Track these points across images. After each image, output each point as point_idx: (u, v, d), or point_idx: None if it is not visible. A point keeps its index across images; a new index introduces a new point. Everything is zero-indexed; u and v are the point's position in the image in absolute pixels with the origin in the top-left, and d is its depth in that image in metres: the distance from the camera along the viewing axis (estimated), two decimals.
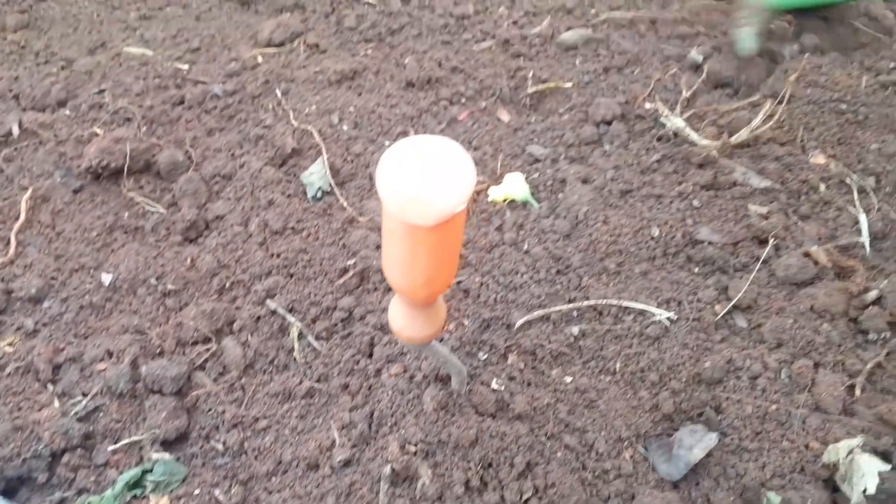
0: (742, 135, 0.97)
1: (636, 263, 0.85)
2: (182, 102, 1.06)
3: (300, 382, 0.74)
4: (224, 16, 1.24)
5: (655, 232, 0.88)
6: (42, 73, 1.11)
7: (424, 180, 0.41)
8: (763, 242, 0.87)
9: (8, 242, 0.88)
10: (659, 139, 1.01)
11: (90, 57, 1.13)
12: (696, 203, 0.92)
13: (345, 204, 0.92)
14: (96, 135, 1.00)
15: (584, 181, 0.95)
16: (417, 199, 0.41)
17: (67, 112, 1.04)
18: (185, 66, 1.12)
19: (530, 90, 1.09)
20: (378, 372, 0.74)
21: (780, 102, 1.00)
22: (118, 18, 1.23)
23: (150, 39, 1.18)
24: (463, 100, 1.09)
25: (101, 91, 1.07)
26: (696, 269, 0.86)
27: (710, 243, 0.87)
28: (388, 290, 0.82)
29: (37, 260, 0.87)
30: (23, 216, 0.91)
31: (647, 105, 1.04)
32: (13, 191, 0.95)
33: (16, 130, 1.01)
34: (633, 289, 0.82)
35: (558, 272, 0.84)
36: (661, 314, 0.79)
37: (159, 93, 1.07)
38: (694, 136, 0.98)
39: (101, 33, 1.19)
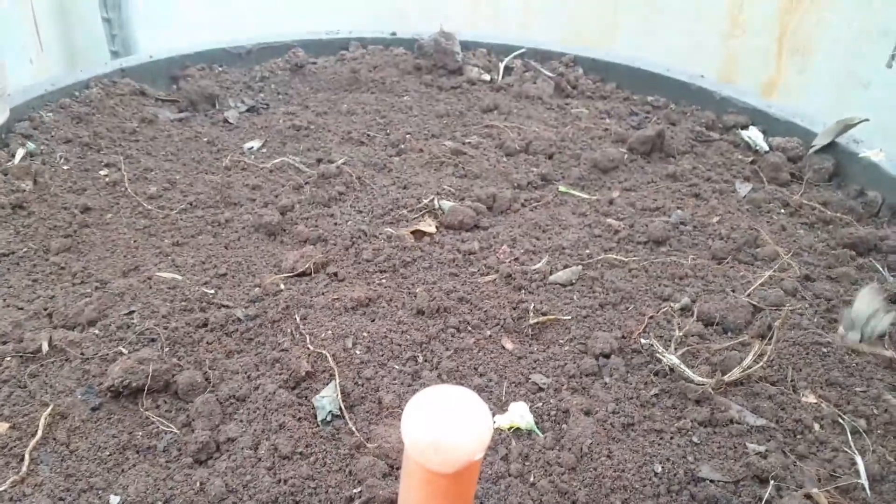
0: (734, 373, 1.02)
1: (641, 500, 0.86)
2: (206, 325, 1.12)
3: None
4: (251, 245, 1.36)
5: (658, 468, 0.90)
6: (77, 293, 1.19)
7: (447, 428, 0.45)
8: (764, 482, 0.89)
9: (22, 459, 0.90)
10: (656, 374, 1.06)
11: (123, 279, 1.22)
12: (695, 439, 0.95)
13: (353, 429, 0.95)
14: (121, 354, 1.05)
15: (587, 413, 0.98)
16: (438, 444, 0.45)
17: (96, 331, 1.10)
18: (212, 291, 1.20)
19: (532, 321, 1.16)
20: None
21: (768, 343, 1.07)
22: (153, 244, 1.34)
23: (181, 265, 1.28)
24: (469, 328, 1.16)
25: (131, 312, 1.14)
26: None
27: (711, 481, 0.89)
28: None
29: (48, 479, 0.87)
30: (39, 433, 0.93)
31: (643, 340, 1.11)
32: (34, 407, 0.98)
33: (45, 347, 1.07)
34: None
35: None
36: None
37: (185, 315, 1.14)
38: (689, 373, 1.03)
39: (135, 257, 1.30)
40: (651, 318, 1.17)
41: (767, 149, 1.73)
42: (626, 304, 1.22)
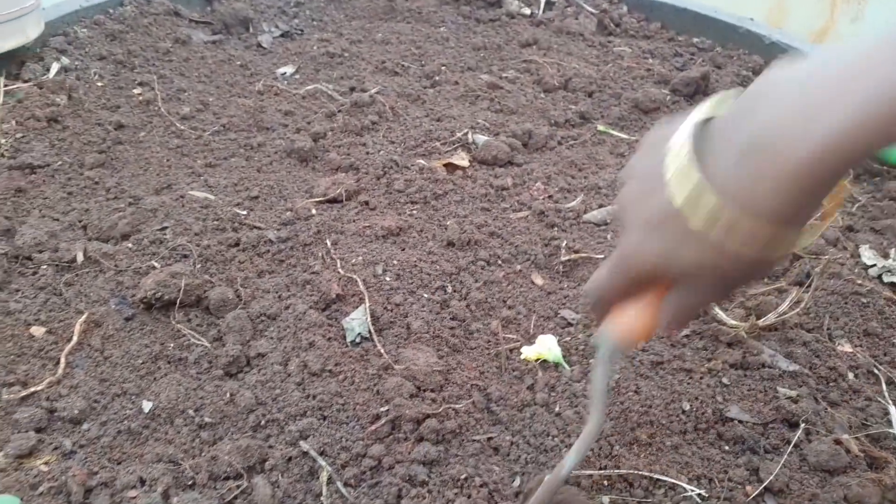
0: (769, 318, 1.01)
1: (667, 436, 0.86)
2: (237, 244, 1.12)
3: None
4: (283, 170, 1.35)
5: (686, 406, 0.89)
6: (111, 207, 1.19)
7: None
8: (793, 426, 0.88)
9: (58, 363, 0.91)
10: None
11: (156, 196, 1.22)
12: (725, 381, 0.94)
13: (382, 351, 0.95)
14: (154, 268, 1.06)
15: None
16: None
17: (130, 245, 1.11)
18: (244, 212, 1.20)
19: (563, 258, 1.15)
20: None
21: (806, 291, 1.05)
22: (186, 164, 1.33)
23: (213, 185, 1.27)
24: (500, 261, 1.15)
25: (164, 228, 1.14)
26: (727, 447, 0.86)
27: (740, 422, 0.88)
28: (419, 440, 0.83)
29: (82, 382, 0.89)
30: (75, 339, 0.95)
31: None
32: (69, 314, 0.99)
33: (80, 258, 1.08)
34: (664, 462, 0.83)
35: None
36: (693, 490, 0.79)
37: (217, 234, 1.14)
38: (722, 315, 1.01)
39: (168, 176, 1.29)
40: None
41: None
42: None
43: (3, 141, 1.28)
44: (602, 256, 1.16)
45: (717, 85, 1.68)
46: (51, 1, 1.71)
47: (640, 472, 0.80)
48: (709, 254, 0.47)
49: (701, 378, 0.94)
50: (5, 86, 1.41)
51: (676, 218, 0.47)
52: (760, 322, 1.01)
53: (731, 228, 0.45)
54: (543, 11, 2.05)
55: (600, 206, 1.28)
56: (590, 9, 2.04)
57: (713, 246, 0.46)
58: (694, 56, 1.88)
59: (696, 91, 1.65)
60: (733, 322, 1.01)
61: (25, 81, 1.44)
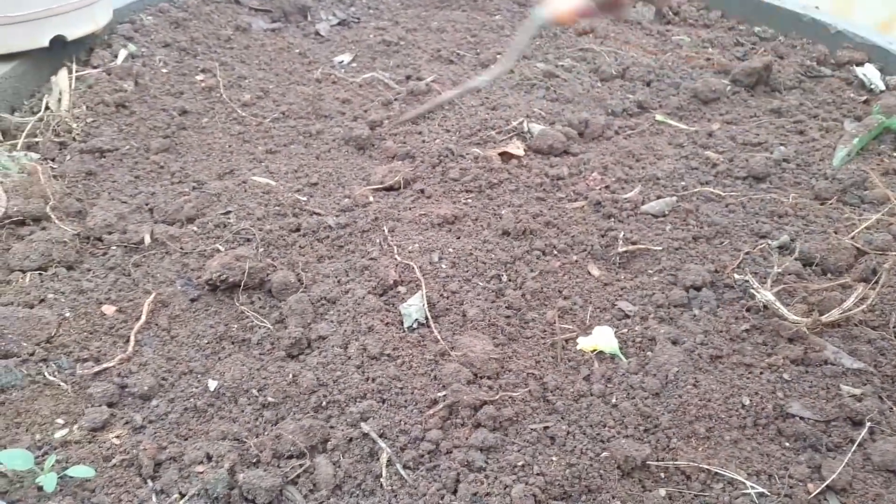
0: (833, 314, 0.98)
1: (726, 431, 0.85)
2: (298, 230, 1.15)
3: None
4: (341, 157, 1.37)
5: (746, 401, 0.88)
6: (176, 191, 1.23)
7: None
8: (857, 424, 0.86)
9: (128, 340, 0.95)
10: (748, 310, 1.03)
11: (220, 181, 1.26)
12: (786, 377, 0.92)
13: (439, 337, 0.96)
14: (218, 251, 1.09)
15: (674, 342, 0.97)
16: None
17: (195, 228, 1.14)
18: (304, 198, 1.22)
19: (620, 249, 1.14)
20: None
21: (872, 287, 1.02)
22: (247, 151, 1.36)
23: (274, 171, 1.30)
24: (555, 251, 1.15)
25: (227, 212, 1.17)
26: (788, 444, 0.85)
27: (801, 419, 0.87)
28: (476, 426, 0.84)
29: (151, 360, 0.93)
30: (143, 318, 0.99)
31: (737, 276, 1.08)
32: (138, 293, 1.03)
33: (147, 240, 1.11)
34: (723, 456, 0.82)
35: (646, 430, 0.85)
36: (752, 487, 0.78)
37: (278, 219, 1.17)
38: (784, 310, 1.00)
39: (230, 162, 1.33)
40: (747, 253, 1.13)
41: (884, 88, 1.61)
42: (721, 238, 1.18)
43: (74, 125, 1.33)
44: (660, 248, 1.15)
45: (780, 76, 1.64)
46: None
47: (699, 466, 0.79)
48: None
49: (761, 373, 0.93)
50: (77, 71, 1.46)
51: None
52: (823, 318, 0.98)
53: None
54: None
55: (658, 196, 1.27)
56: None
57: None
58: (755, 45, 1.83)
59: (758, 82, 1.61)
60: (794, 317, 0.99)
61: (95, 67, 1.49)
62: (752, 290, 1.03)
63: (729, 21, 1.94)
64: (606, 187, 1.30)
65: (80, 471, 0.76)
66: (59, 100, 1.38)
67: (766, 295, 1.02)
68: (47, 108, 1.36)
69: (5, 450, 0.77)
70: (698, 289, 1.07)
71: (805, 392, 0.91)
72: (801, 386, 0.92)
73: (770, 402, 0.88)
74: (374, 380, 0.89)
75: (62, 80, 1.42)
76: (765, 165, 1.33)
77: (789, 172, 1.34)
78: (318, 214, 1.19)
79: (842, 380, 0.93)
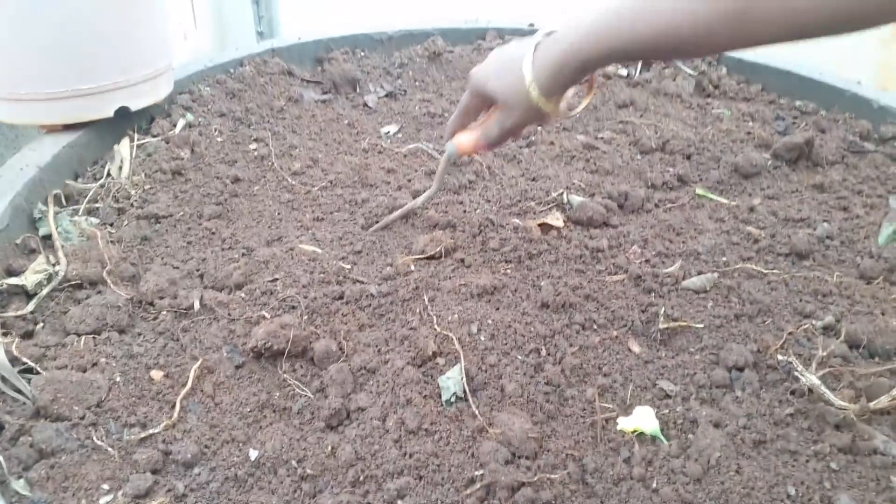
0: (882, 401, 0.96)
1: None
2: (341, 297, 1.17)
3: None
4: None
5: (792, 490, 0.86)
6: (226, 257, 1.27)
7: None
8: None
9: (174, 406, 0.98)
10: (792, 393, 1.01)
11: (268, 248, 1.30)
12: (833, 466, 0.90)
13: (476, 412, 0.97)
14: (264, 318, 1.12)
15: (716, 425, 0.95)
16: None
17: (243, 294, 1.18)
18: (348, 266, 1.26)
19: (661, 326, 1.14)
20: None
21: None
22: (295, 218, 1.41)
23: (320, 239, 1.34)
24: (595, 326, 1.15)
25: (274, 280, 1.21)
26: None
27: None
28: None
29: (195, 427, 0.95)
30: (189, 384, 1.01)
31: (780, 357, 1.06)
32: (185, 359, 1.06)
33: (196, 305, 1.15)
34: None
35: None
36: None
37: (323, 286, 1.20)
38: (830, 395, 0.98)
39: (279, 229, 1.37)
40: (790, 334, 1.11)
41: None
42: (764, 317, 1.16)
43: (133, 192, 1.40)
44: (702, 325, 1.14)
45: (822, 150, 1.64)
46: (178, 61, 1.86)
47: None
48: (523, 97, 0.94)
49: (807, 461, 0.91)
50: (138, 140, 1.54)
51: (521, 80, 0.93)
52: (872, 405, 0.96)
53: (532, 90, 0.92)
54: (640, 72, 2.06)
55: (699, 272, 1.26)
56: (688, 70, 2.04)
57: (527, 95, 0.93)
58: (797, 120, 1.84)
59: (800, 156, 1.61)
60: (841, 403, 0.97)
61: (155, 136, 1.57)
62: (796, 373, 1.01)
63: (769, 95, 1.96)
64: (646, 261, 1.31)
65: None
66: (121, 167, 1.45)
67: (811, 378, 1.00)
68: (109, 174, 1.44)
69: None
70: (741, 369, 1.05)
71: (854, 483, 0.88)
72: (849, 476, 0.89)
73: (817, 493, 0.86)
74: (411, 455, 0.89)
75: (124, 148, 1.50)
76: (808, 242, 1.32)
77: (833, 250, 1.33)
78: (361, 282, 1.21)
79: (892, 471, 0.90)
